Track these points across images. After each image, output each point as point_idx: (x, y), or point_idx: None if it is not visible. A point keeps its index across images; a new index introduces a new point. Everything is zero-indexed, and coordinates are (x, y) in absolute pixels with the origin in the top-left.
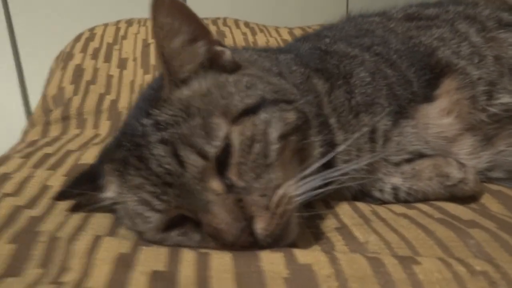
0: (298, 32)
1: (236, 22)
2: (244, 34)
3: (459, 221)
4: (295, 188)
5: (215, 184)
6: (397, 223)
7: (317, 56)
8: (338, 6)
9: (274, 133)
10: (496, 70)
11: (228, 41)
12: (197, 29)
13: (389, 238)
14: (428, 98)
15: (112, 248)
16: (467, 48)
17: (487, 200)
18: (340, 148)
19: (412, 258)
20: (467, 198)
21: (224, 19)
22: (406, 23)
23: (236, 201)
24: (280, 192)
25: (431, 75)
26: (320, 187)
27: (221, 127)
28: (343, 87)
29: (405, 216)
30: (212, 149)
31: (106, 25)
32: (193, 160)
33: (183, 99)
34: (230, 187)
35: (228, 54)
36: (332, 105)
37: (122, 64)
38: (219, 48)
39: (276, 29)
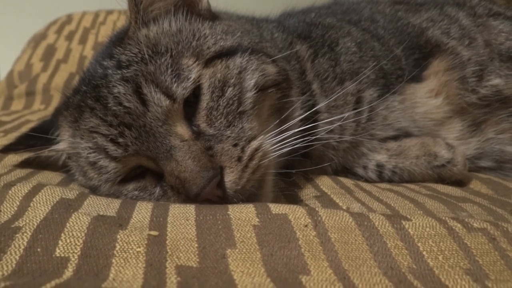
0: None
1: None
2: None
3: (449, 197)
4: (272, 143)
5: (181, 129)
6: (382, 195)
7: (302, 26)
8: None
9: (250, 80)
10: (486, 54)
11: None
12: None
13: (374, 206)
14: (417, 78)
15: (54, 193)
16: (457, 30)
17: (476, 185)
18: (322, 105)
19: (401, 216)
20: (455, 183)
21: None
22: (395, 5)
23: (204, 148)
24: (254, 143)
25: (420, 55)
26: (298, 150)
27: (192, 68)
28: (327, 54)
29: (390, 190)
30: (180, 90)
31: (85, 12)
32: (157, 99)
33: (151, 37)
34: (198, 135)
35: (205, 2)
36: (315, 71)
37: (97, 47)
38: None
39: None
